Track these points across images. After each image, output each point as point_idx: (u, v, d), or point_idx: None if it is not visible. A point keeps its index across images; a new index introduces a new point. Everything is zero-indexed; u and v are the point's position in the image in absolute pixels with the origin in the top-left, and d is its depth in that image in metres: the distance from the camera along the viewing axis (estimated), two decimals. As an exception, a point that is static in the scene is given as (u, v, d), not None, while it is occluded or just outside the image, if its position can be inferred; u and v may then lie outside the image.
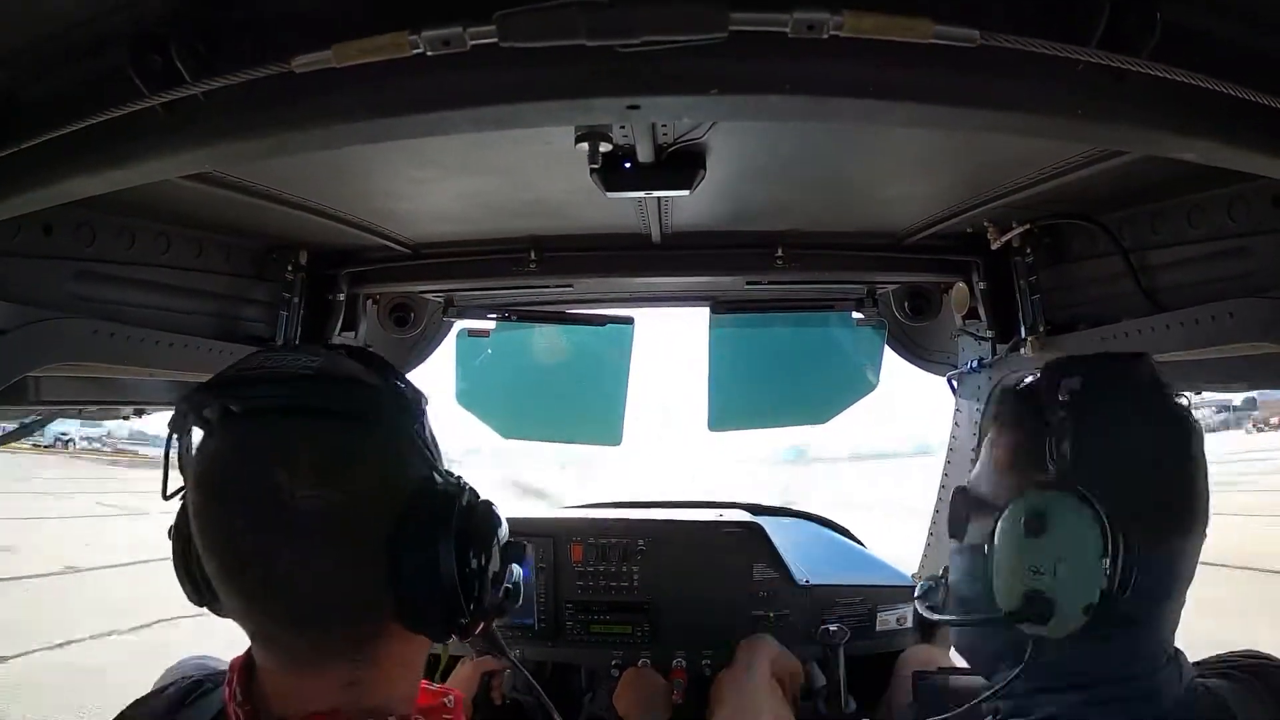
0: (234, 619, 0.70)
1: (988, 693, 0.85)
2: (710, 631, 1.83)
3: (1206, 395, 1.53)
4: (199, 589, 0.73)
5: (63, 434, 27.47)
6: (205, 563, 0.68)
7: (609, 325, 1.95)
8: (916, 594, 1.01)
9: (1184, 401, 0.88)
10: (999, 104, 0.70)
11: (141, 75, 0.70)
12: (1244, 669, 0.86)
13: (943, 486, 1.98)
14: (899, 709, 1.79)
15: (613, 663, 1.86)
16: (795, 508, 2.48)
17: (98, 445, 30.06)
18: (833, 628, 1.72)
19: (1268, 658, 0.89)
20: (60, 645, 6.90)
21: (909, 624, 1.91)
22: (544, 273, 1.62)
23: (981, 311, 1.65)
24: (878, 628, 1.89)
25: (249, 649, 0.72)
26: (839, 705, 1.69)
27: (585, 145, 0.99)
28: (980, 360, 1.74)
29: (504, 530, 0.74)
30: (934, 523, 2.03)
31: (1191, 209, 1.19)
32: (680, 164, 1.13)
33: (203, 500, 0.67)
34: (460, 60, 0.62)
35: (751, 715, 1.49)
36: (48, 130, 0.74)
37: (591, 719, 1.91)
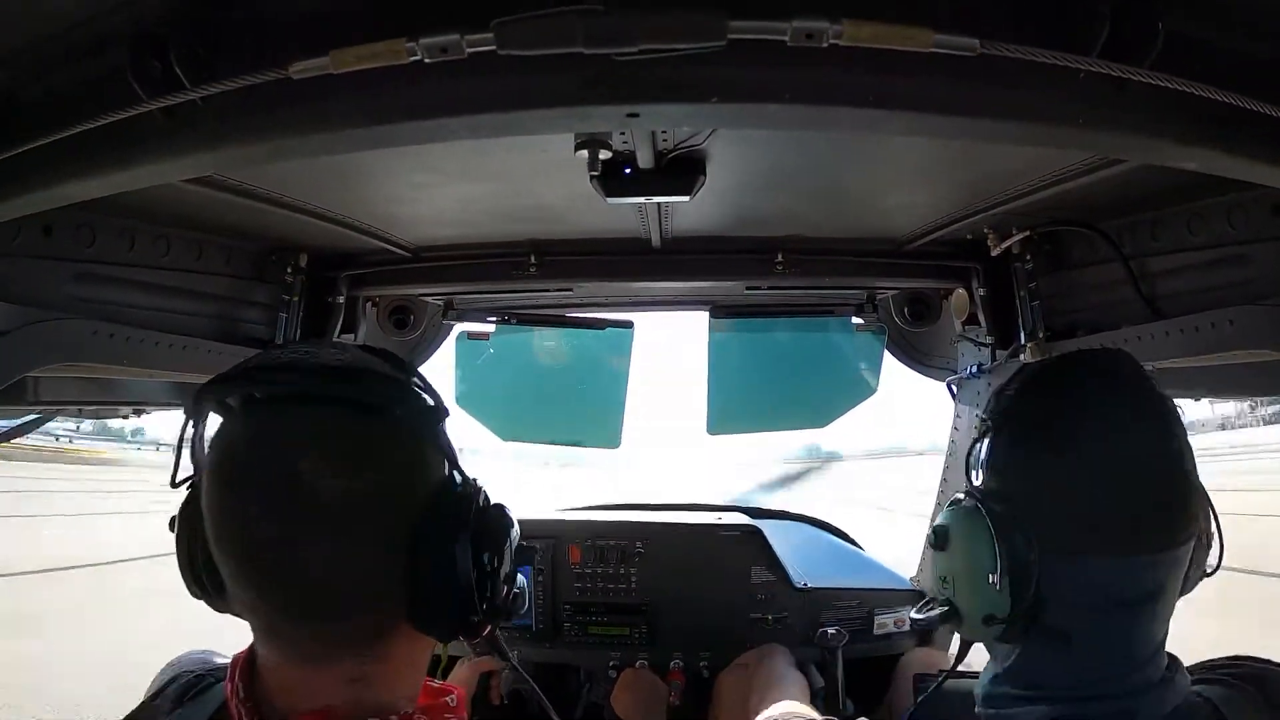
0: (241, 612, 0.70)
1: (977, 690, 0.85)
2: (708, 634, 1.84)
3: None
4: (201, 582, 0.73)
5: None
6: (217, 551, 0.68)
7: (608, 329, 1.95)
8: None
9: (1170, 406, 0.79)
10: (999, 113, 0.69)
11: (140, 80, 0.70)
12: (1240, 675, 0.85)
13: (941, 491, 1.98)
14: (899, 711, 1.79)
15: (610, 664, 1.87)
16: (793, 511, 2.48)
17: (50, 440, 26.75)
18: (831, 630, 1.72)
19: (1266, 662, 0.88)
20: None
21: (907, 627, 1.91)
22: (544, 276, 1.62)
23: (981, 317, 1.64)
24: (876, 631, 1.89)
25: (251, 644, 0.71)
26: (837, 708, 1.69)
27: (585, 152, 0.99)
28: (980, 366, 1.74)
29: (516, 532, 0.75)
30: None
31: (1192, 216, 1.19)
32: (680, 170, 1.13)
33: (221, 487, 0.66)
34: (458, 68, 0.62)
35: (776, 680, 1.50)
36: (48, 132, 0.74)
37: (590, 708, 1.91)
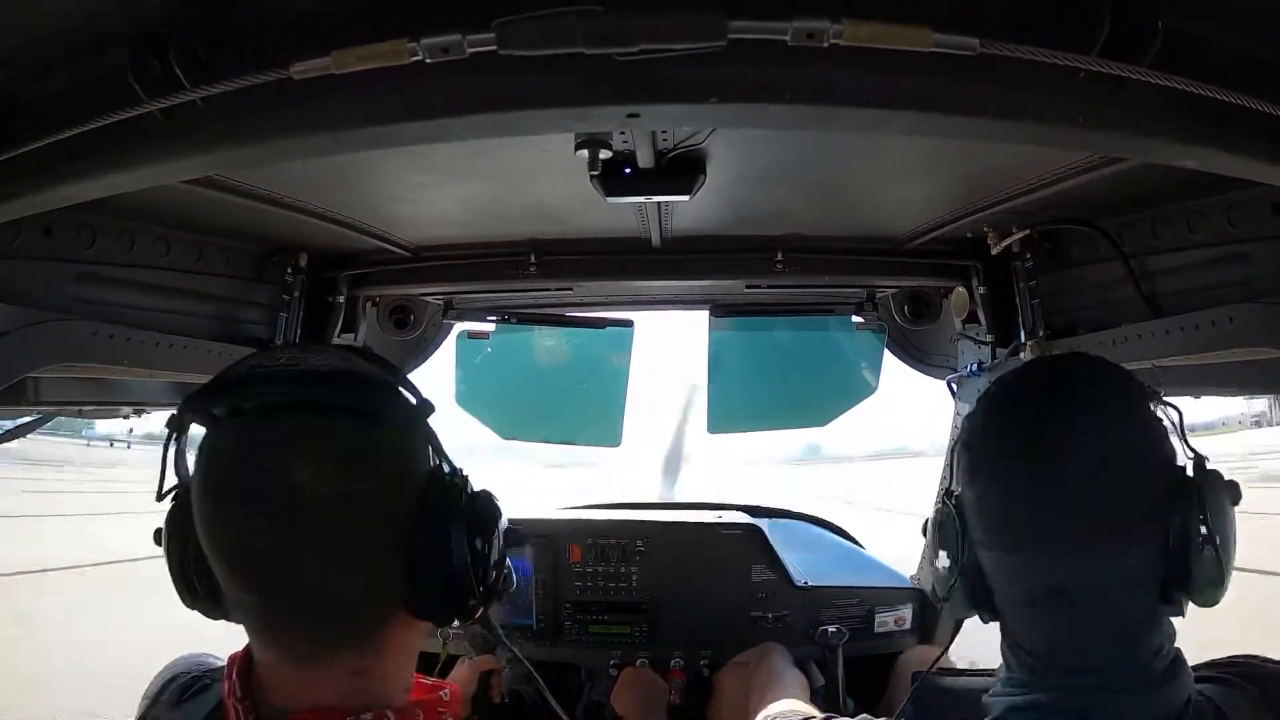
0: (238, 617, 0.70)
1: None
2: (708, 632, 1.84)
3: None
4: (194, 591, 0.73)
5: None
6: (213, 561, 0.68)
7: (609, 328, 1.95)
8: None
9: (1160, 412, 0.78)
10: (999, 112, 0.69)
11: (140, 81, 0.70)
12: (1241, 674, 0.85)
13: (940, 489, 1.98)
14: (899, 710, 1.79)
15: (611, 662, 1.87)
16: (794, 509, 2.48)
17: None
18: (831, 629, 1.72)
19: (1267, 661, 0.88)
20: None
21: (907, 625, 1.92)
22: (544, 276, 1.62)
23: (981, 316, 1.64)
24: (876, 629, 1.89)
25: (247, 645, 0.72)
26: (837, 706, 1.69)
27: (585, 152, 0.99)
28: (980, 364, 1.74)
29: (504, 518, 0.78)
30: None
31: (1191, 215, 1.19)
32: (680, 170, 1.13)
33: (213, 499, 0.67)
34: (459, 68, 0.62)
35: (776, 678, 1.50)
36: (48, 133, 0.74)
37: (591, 705, 1.92)
